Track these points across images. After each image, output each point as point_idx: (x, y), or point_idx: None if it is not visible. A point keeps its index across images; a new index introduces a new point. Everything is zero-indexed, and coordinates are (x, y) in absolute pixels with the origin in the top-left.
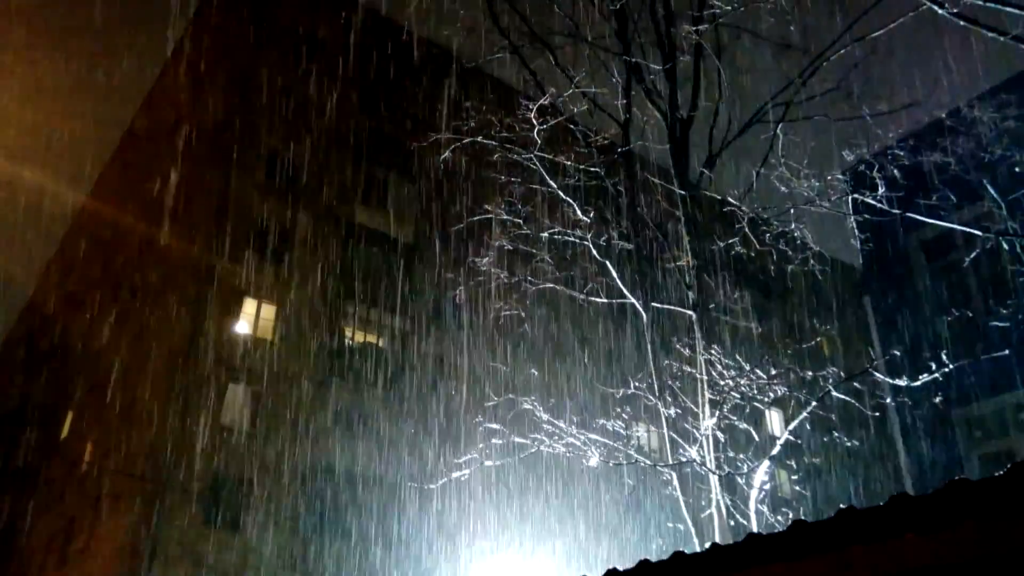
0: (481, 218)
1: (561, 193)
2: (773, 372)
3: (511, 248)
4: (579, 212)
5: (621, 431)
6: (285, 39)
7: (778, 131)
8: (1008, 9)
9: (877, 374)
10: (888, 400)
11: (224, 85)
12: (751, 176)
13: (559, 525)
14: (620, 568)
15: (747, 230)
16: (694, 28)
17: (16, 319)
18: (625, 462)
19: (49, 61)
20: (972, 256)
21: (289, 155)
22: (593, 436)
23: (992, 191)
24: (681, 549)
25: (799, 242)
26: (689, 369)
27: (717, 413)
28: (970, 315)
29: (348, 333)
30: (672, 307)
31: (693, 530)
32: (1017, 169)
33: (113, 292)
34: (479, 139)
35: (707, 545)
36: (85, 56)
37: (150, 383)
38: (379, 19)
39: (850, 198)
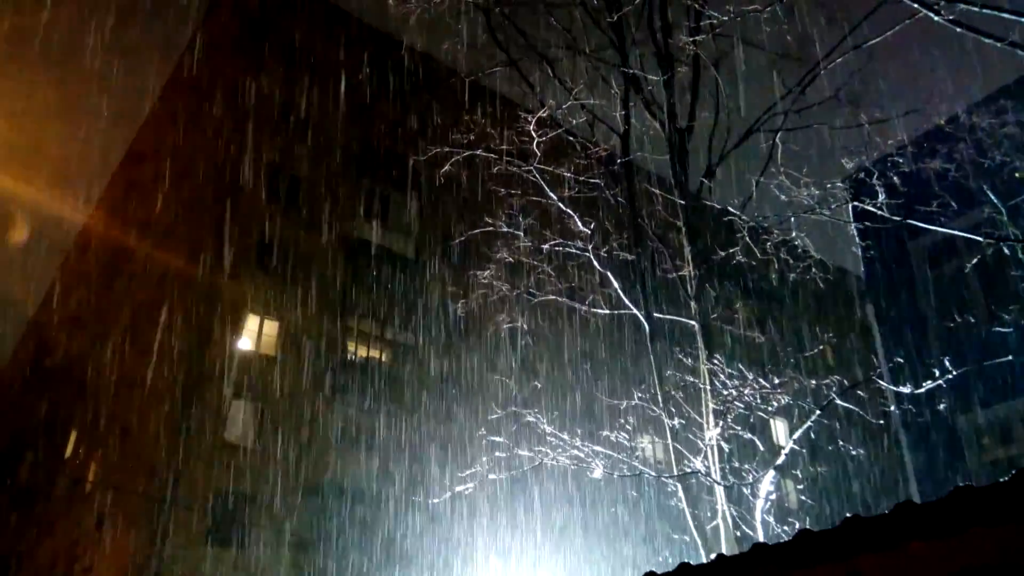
0: (482, 231)
1: (561, 205)
2: (777, 381)
3: (512, 261)
4: (580, 223)
5: (625, 442)
6: (285, 56)
7: (777, 140)
8: (1004, 15)
9: (881, 382)
10: (892, 408)
11: (225, 103)
12: (751, 185)
13: (563, 538)
14: None
15: (748, 239)
16: (691, 39)
17: (19, 339)
18: (630, 473)
19: (50, 81)
20: (974, 262)
21: (290, 171)
22: (597, 448)
23: (993, 197)
24: (687, 560)
25: (800, 250)
26: (692, 379)
27: (721, 423)
28: (973, 321)
29: (351, 348)
30: (675, 317)
31: (699, 541)
32: (1017, 174)
33: (116, 310)
34: (479, 152)
35: (713, 556)
36: (86, 76)
37: (153, 401)
38: (378, 35)
39: (850, 206)
